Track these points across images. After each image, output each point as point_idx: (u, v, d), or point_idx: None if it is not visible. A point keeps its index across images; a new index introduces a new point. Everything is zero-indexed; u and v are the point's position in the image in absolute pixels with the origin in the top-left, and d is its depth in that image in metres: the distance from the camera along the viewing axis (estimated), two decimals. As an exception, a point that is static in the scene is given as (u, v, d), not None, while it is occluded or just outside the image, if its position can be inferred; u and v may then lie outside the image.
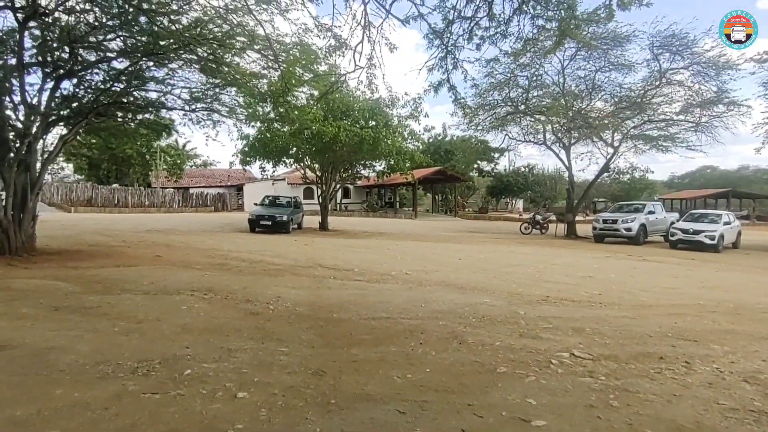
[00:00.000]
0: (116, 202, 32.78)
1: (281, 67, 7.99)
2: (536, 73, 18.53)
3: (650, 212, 17.25)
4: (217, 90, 10.35)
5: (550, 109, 18.23)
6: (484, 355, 4.47)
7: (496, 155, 39.00)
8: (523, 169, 44.85)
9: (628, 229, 16.28)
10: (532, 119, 19.69)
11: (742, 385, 3.99)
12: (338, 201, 36.58)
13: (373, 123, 16.65)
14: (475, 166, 40.93)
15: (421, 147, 20.31)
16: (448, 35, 4.96)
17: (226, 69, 8.93)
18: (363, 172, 21.59)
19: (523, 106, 18.84)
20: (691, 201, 42.30)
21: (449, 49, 5.13)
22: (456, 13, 4.63)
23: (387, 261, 10.73)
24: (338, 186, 21.67)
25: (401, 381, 3.73)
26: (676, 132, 18.14)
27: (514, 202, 49.25)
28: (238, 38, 8.47)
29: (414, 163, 18.05)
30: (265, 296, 6.56)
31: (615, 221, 16.71)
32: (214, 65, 8.62)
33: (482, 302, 6.76)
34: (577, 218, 20.28)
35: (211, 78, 9.67)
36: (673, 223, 17.08)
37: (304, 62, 8.98)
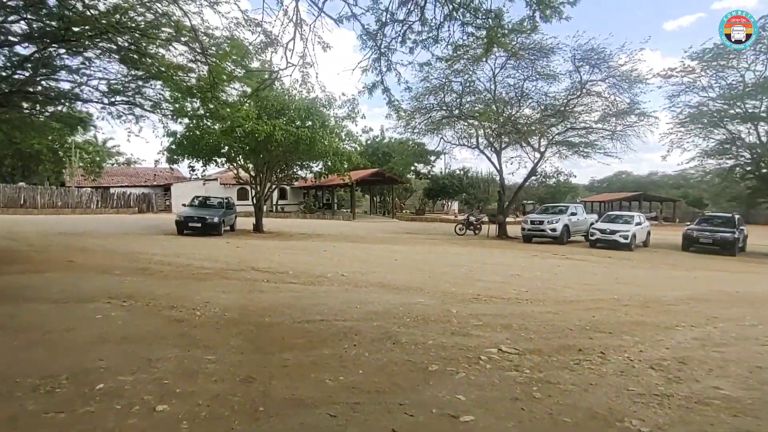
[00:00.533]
0: (23, 202, 29.68)
1: (209, 61, 7.61)
2: (469, 79, 19.26)
3: (573, 214, 18.50)
4: (140, 83, 9.68)
5: (482, 114, 19.02)
6: (417, 354, 4.52)
7: (433, 158, 40.04)
8: (458, 172, 46.37)
9: (553, 230, 17.35)
10: (466, 124, 20.42)
11: (648, 372, 4.35)
12: (274, 202, 35.67)
13: (310, 123, 16.40)
14: (413, 168, 41.70)
15: (358, 148, 20.30)
16: (382, 37, 5.00)
17: (150, 60, 8.36)
18: (300, 172, 21.21)
19: (457, 111, 19.48)
20: (609, 203, 45.95)
21: (382, 51, 5.16)
22: (389, 16, 4.68)
23: (323, 263, 10.59)
24: (274, 187, 21.11)
25: (333, 384, 3.67)
26: (595, 139, 19.65)
27: (449, 203, 50.75)
28: (163, 29, 7.96)
29: (351, 165, 18.00)
30: (192, 302, 6.21)
31: (541, 222, 17.74)
32: (136, 56, 8.03)
33: (417, 302, 6.86)
34: (507, 219, 21.36)
35: (132, 69, 9.01)
36: (592, 223, 18.43)
37: (235, 57, 8.62)
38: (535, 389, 3.73)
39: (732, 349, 5.27)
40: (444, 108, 19.80)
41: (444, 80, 19.09)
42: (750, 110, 17.14)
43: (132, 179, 40.08)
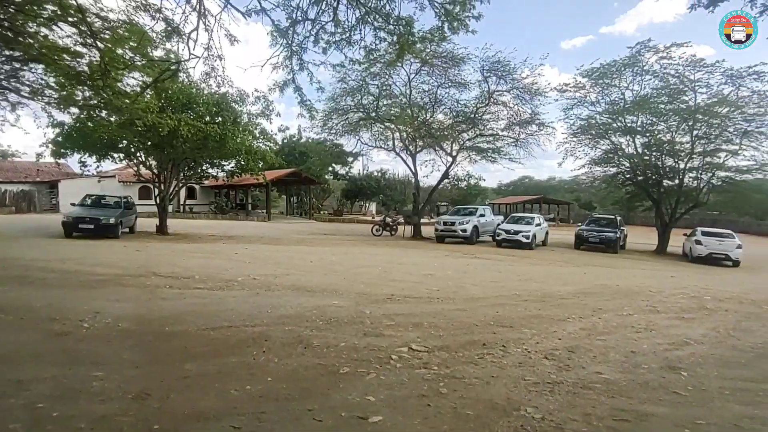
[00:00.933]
0: None
1: (100, 46, 6.89)
2: (386, 83, 19.64)
3: (481, 215, 19.63)
4: (16, 65, 8.49)
5: (398, 118, 19.49)
6: (329, 357, 4.47)
7: (350, 159, 40.15)
8: (375, 174, 46.97)
9: (464, 231, 18.27)
10: (383, 126, 20.76)
11: (543, 362, 4.72)
12: (182, 202, 33.39)
13: (220, 119, 15.56)
14: (330, 169, 41.46)
15: (274, 147, 19.72)
16: (293, 35, 4.88)
17: (30, 41, 7.37)
18: (211, 171, 20.07)
19: (374, 113, 19.73)
20: (514, 206, 49.40)
21: (294, 49, 5.05)
22: (300, 14, 4.59)
23: (234, 266, 10.11)
24: (180, 185, 19.73)
25: (238, 394, 3.50)
26: (501, 146, 21.05)
27: (367, 205, 51.18)
28: (45, 5, 7.07)
29: (266, 164, 17.41)
30: (78, 313, 5.57)
31: (453, 223, 18.60)
32: (10, 34, 7.03)
33: (330, 304, 6.80)
34: (422, 220, 22.12)
35: (6, 50, 7.88)
36: (499, 224, 19.72)
37: (133, 44, 7.89)
38: (441, 385, 3.87)
39: (612, 337, 5.91)
40: (361, 110, 19.98)
41: (361, 82, 19.26)
42: (629, 124, 19.46)
43: (8, 174, 35.06)
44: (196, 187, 35.17)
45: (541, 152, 51.79)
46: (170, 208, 18.96)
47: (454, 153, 20.85)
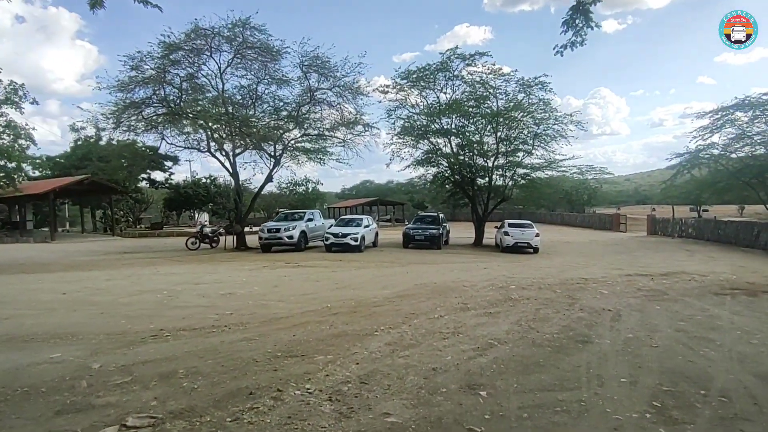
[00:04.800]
0: None
1: None
2: (193, 73, 17.08)
3: (310, 220, 18.47)
4: None
5: (207, 113, 17.08)
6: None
7: (170, 164, 35.27)
8: (204, 180, 42.54)
9: (290, 237, 16.85)
10: (195, 125, 17.99)
11: (322, 409, 3.55)
12: None
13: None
14: (145, 176, 35.84)
15: (28, 146, 15.36)
16: None
17: None
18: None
19: (175, 107, 16.86)
20: (353, 208, 49.92)
21: None
22: None
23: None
24: None
25: None
26: (327, 146, 20.23)
27: (198, 215, 46.10)
28: None
29: (17, 170, 13.29)
30: None
31: (278, 230, 17.03)
32: None
33: (46, 360, 4.69)
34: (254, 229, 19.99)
35: None
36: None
37: None
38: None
39: (417, 351, 5.13)
40: (164, 104, 16.99)
41: (160, 71, 16.35)
42: (445, 126, 20.55)
43: None
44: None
45: (381, 156, 53.15)
46: None
47: (277, 154, 19.26)
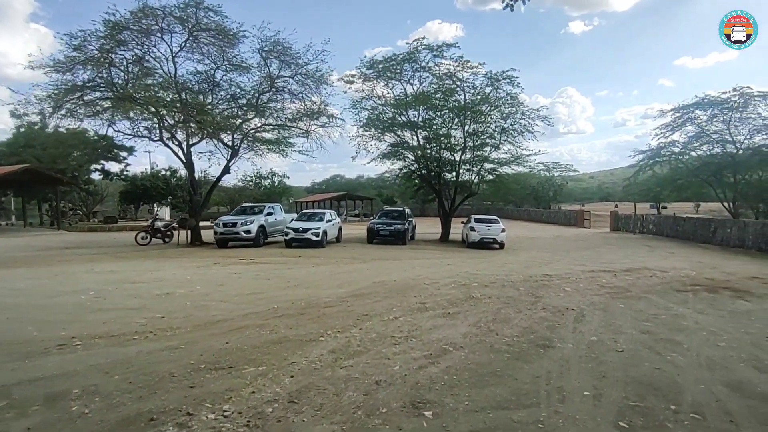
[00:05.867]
0: None
1: None
2: (141, 55, 15.87)
3: (269, 214, 17.59)
4: None
5: (161, 100, 15.91)
6: None
7: (125, 154, 33.40)
8: (164, 172, 40.71)
9: (248, 232, 15.96)
10: (145, 111, 16.75)
11: (235, 437, 2.94)
12: None
13: None
14: (98, 166, 33.79)
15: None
16: None
17: None
18: None
19: (121, 91, 15.57)
20: (322, 202, 48.91)
21: None
22: None
23: None
24: None
25: None
26: (288, 136, 19.34)
27: (158, 208, 44.12)
28: None
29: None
30: None
31: (235, 224, 16.09)
32: None
33: None
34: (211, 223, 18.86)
35: None
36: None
37: None
38: None
39: (363, 360, 4.57)
40: (109, 88, 15.70)
41: (104, 52, 15.09)
42: (412, 119, 20.00)
43: None
44: None
45: (351, 150, 52.24)
46: None
47: (236, 144, 18.25)
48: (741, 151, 21.45)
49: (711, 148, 22.50)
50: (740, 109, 20.73)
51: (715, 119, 21.70)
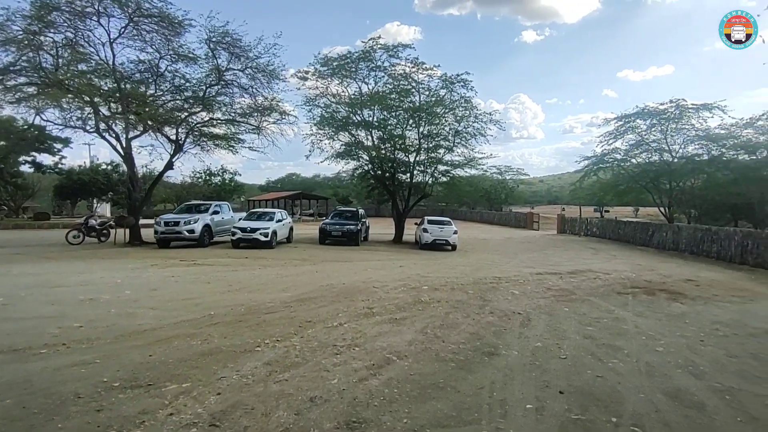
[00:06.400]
0: None
1: None
2: (73, 38, 14.64)
3: (215, 212, 16.74)
4: None
5: (94, 88, 14.73)
6: None
7: (59, 146, 30.93)
8: (105, 167, 38.26)
9: (191, 231, 15.09)
10: (78, 100, 15.44)
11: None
12: None
13: None
14: (26, 159, 31.11)
15: None
16: None
17: None
18: None
19: (57, 80, 14.32)
20: (275, 201, 47.69)
21: None
22: None
23: None
24: None
25: None
26: (237, 132, 18.58)
27: (96, 204, 41.40)
28: None
29: None
30: None
31: (177, 223, 15.17)
32: None
33: None
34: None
35: None
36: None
37: None
38: None
39: (300, 372, 4.26)
40: (36, 72, 14.37)
41: (30, 33, 13.79)
42: (367, 118, 19.76)
43: None
44: None
45: (306, 148, 51.30)
46: None
47: (180, 139, 17.26)
48: (676, 160, 22.75)
49: (650, 156, 23.73)
50: (676, 120, 21.97)
51: (653, 129, 22.90)
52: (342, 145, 19.78)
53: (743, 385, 4.19)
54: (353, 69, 19.09)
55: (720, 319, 6.86)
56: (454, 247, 17.58)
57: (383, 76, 19.49)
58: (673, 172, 22.51)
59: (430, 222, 18.44)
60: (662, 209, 24.57)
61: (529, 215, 37.33)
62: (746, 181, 20.19)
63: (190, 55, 16.92)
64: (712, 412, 3.54)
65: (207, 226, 15.72)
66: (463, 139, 19.58)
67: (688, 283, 10.25)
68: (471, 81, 19.14)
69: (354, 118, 19.71)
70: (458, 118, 19.58)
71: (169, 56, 16.78)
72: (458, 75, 19.22)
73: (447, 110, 19.44)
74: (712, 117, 21.44)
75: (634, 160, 24.54)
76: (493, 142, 20.36)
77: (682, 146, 22.95)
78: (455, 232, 17.74)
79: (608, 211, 48.69)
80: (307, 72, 19.17)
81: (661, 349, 5.15)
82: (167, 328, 5.77)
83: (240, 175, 48.08)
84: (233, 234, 15.57)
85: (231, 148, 18.78)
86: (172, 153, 17.22)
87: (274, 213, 17.51)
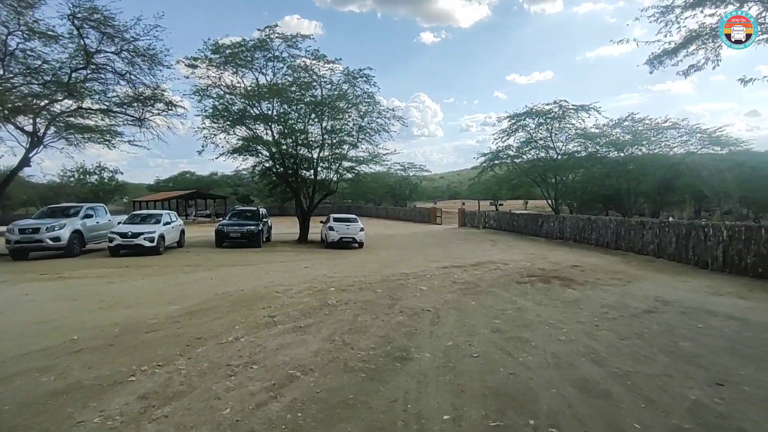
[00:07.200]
0: None
1: None
2: None
3: (88, 216, 14.49)
4: None
5: None
6: None
7: None
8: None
9: (56, 239, 12.84)
10: None
11: None
12: None
13: None
14: None
15: None
16: None
17: None
18: None
19: None
20: (166, 202, 43.57)
21: None
22: None
23: None
24: None
25: None
26: (113, 124, 16.37)
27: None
28: None
29: None
30: None
31: (38, 230, 12.83)
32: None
33: None
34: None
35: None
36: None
37: None
38: None
39: (183, 404, 3.54)
40: None
41: None
42: (265, 111, 18.65)
43: None
44: None
45: (200, 144, 47.38)
46: None
47: (39, 131, 14.70)
48: (559, 156, 24.98)
49: (538, 152, 25.82)
50: (559, 119, 24.13)
51: (540, 127, 24.92)
52: (239, 139, 18.45)
53: (637, 367, 4.38)
54: (249, 58, 17.86)
55: (607, 302, 7.37)
56: (361, 245, 17.33)
57: (282, 68, 18.52)
58: (557, 167, 24.68)
59: (336, 220, 17.98)
60: (549, 201, 26.82)
61: (432, 210, 38.62)
62: (616, 175, 22.81)
63: (49, 32, 14.45)
64: (618, 401, 3.58)
65: (77, 233, 13.54)
66: (367, 134, 19.39)
67: (575, 269, 11.06)
68: (374, 77, 18.97)
69: (252, 111, 18.50)
70: (362, 113, 19.34)
71: (20, 32, 14.17)
72: (360, 70, 18.93)
73: (350, 105, 19.08)
74: (589, 117, 23.94)
75: (525, 156, 26.46)
76: (396, 139, 20.59)
77: (565, 143, 25.29)
78: (362, 230, 17.50)
79: (502, 204, 52.34)
80: (196, 59, 17.50)
81: (563, 338, 5.28)
82: (9, 363, 4.61)
83: (122, 173, 43.08)
84: (111, 240, 13.59)
85: (107, 143, 16.52)
86: (28, 147, 14.59)
87: (161, 215, 15.67)
